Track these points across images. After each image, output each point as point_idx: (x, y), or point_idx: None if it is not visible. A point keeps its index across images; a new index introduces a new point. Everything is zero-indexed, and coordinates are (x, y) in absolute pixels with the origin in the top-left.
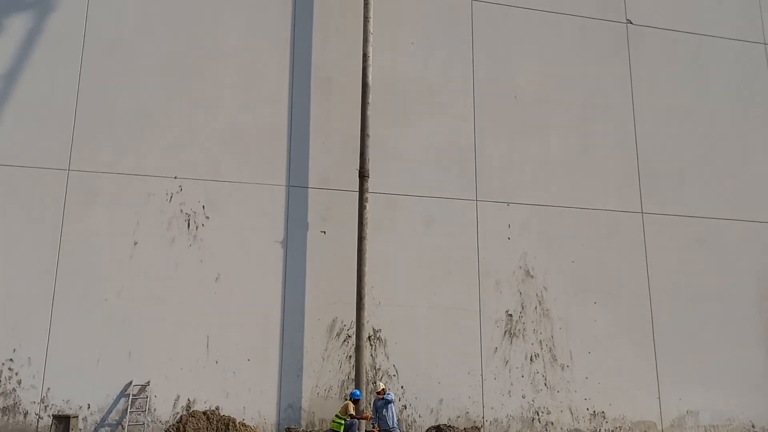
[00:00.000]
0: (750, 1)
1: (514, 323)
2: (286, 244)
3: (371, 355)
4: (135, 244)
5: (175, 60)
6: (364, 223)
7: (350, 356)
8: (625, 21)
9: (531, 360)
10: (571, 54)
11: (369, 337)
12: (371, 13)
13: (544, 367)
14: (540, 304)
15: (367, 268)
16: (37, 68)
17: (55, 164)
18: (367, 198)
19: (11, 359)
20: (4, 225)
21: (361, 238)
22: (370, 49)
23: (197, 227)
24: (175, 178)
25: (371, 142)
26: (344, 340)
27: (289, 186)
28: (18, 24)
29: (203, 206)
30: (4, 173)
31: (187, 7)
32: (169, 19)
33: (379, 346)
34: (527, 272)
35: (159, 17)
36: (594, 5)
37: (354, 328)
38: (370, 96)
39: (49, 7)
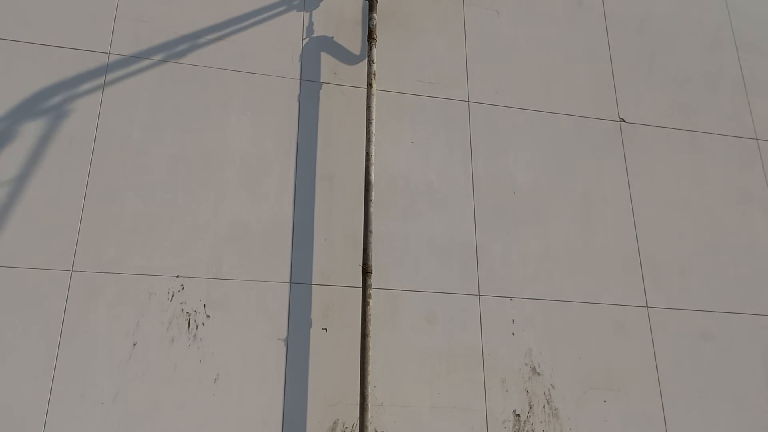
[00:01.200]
0: (739, 99)
1: (522, 424)
2: (287, 342)
3: None
4: (134, 345)
5: (182, 160)
6: (367, 319)
7: None
8: (618, 119)
9: None
10: (567, 149)
11: None
12: (373, 116)
13: None
14: (548, 403)
15: (370, 372)
16: (48, 171)
17: (58, 265)
18: (370, 294)
19: None
20: (4, 327)
21: (364, 335)
22: (373, 149)
23: (197, 326)
24: (177, 276)
25: (373, 238)
26: None
27: (291, 283)
28: (31, 130)
29: (204, 305)
30: (8, 275)
31: (195, 109)
32: (177, 121)
33: None
34: (534, 369)
35: (167, 119)
36: (587, 104)
37: (356, 430)
38: (373, 193)
39: (63, 112)
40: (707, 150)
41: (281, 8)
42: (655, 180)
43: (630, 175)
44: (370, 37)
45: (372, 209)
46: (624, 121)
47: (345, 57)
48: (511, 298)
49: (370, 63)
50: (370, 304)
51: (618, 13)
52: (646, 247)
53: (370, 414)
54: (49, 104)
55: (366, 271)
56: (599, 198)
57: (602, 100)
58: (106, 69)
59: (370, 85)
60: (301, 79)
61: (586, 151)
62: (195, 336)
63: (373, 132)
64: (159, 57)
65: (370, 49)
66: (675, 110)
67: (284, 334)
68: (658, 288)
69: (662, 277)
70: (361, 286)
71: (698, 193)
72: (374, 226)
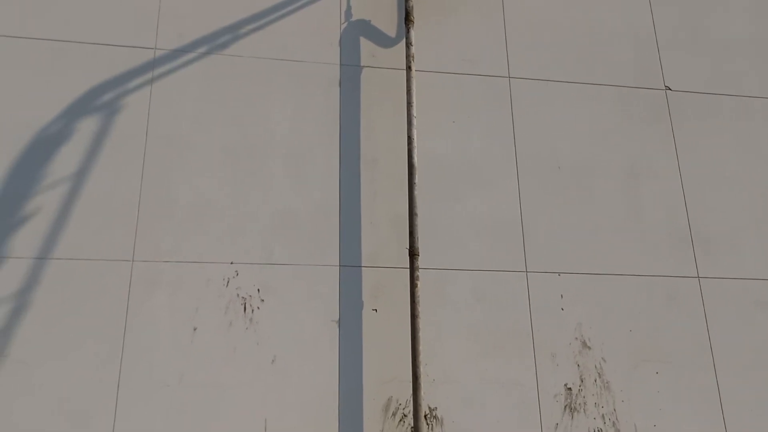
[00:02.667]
0: None
1: (573, 397)
2: (340, 324)
3: None
4: (194, 329)
5: (230, 150)
6: (416, 300)
7: None
8: (664, 88)
9: None
10: (612, 122)
11: (425, 416)
12: (413, 98)
13: None
14: (600, 377)
15: (421, 347)
16: (104, 167)
17: (119, 256)
18: (418, 276)
19: None
20: (71, 317)
21: (414, 316)
22: (415, 132)
23: (253, 310)
24: (231, 263)
25: (419, 220)
26: (400, 420)
27: (341, 266)
28: (86, 128)
29: (258, 290)
30: (71, 266)
31: (239, 99)
32: (222, 114)
33: (436, 425)
34: (584, 343)
35: (214, 113)
36: (631, 74)
37: (409, 407)
38: (417, 176)
39: (115, 109)
40: (758, 115)
41: None
42: (704, 149)
43: (678, 145)
44: (408, 19)
45: (416, 192)
46: (670, 89)
47: (383, 40)
48: (559, 274)
49: (408, 45)
50: (419, 285)
51: None
52: (696, 218)
53: (423, 391)
54: (100, 102)
55: (413, 254)
56: (646, 170)
57: (646, 69)
58: (153, 64)
59: (409, 68)
60: (341, 64)
61: (632, 122)
62: (251, 320)
63: (414, 115)
64: (202, 50)
65: (408, 32)
66: (723, 76)
67: (336, 316)
68: (710, 258)
69: (713, 247)
70: (408, 267)
71: (749, 160)
72: (419, 207)
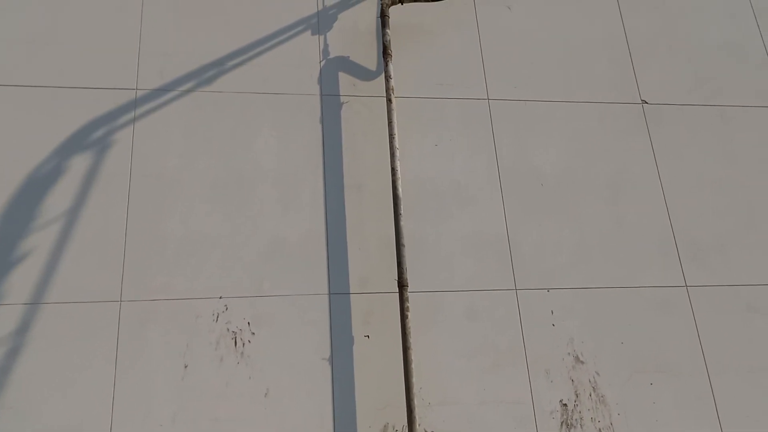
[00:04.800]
0: (765, 68)
1: (570, 413)
2: (332, 352)
3: None
4: (186, 366)
5: (217, 184)
6: (407, 332)
7: None
8: (640, 102)
9: None
10: (592, 137)
11: None
12: (395, 130)
13: None
14: (594, 391)
15: (415, 379)
16: (91, 207)
17: (107, 297)
18: (408, 307)
19: None
20: (61, 361)
21: (405, 348)
22: (398, 164)
23: (244, 344)
24: (221, 297)
25: (407, 243)
26: None
27: (330, 294)
28: (73, 168)
29: (248, 323)
30: (60, 310)
31: (224, 133)
32: (208, 147)
33: None
34: (577, 358)
35: (199, 146)
36: (607, 90)
37: None
38: (402, 206)
39: (99, 149)
40: (736, 124)
41: (297, 29)
42: (684, 159)
43: (657, 157)
44: (386, 53)
45: (402, 222)
46: (646, 102)
47: (362, 74)
48: (548, 290)
49: (387, 79)
50: (409, 317)
51: None
52: (681, 227)
53: (418, 418)
54: (86, 142)
55: (402, 285)
56: (628, 183)
57: (622, 83)
58: (135, 104)
59: (389, 100)
60: (321, 95)
61: (611, 137)
62: (242, 353)
63: (397, 147)
64: (184, 87)
65: (387, 65)
66: (698, 86)
67: (327, 345)
68: (697, 266)
69: (700, 255)
70: (398, 293)
71: (730, 168)
72: (407, 230)
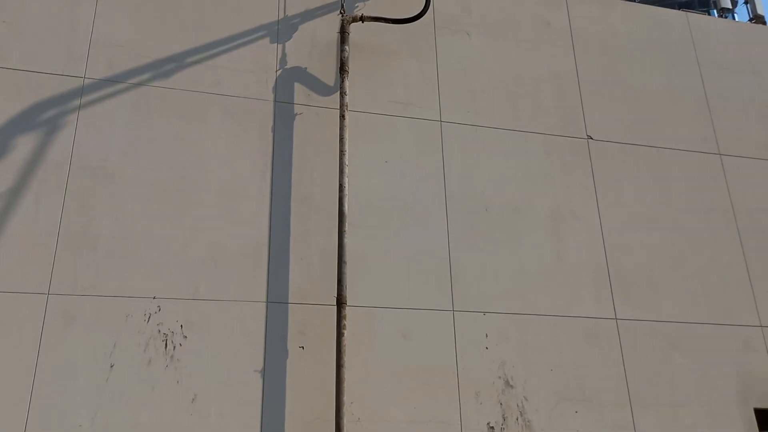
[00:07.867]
0: (702, 115)
1: None
2: (265, 360)
3: None
4: (111, 366)
5: (159, 183)
6: (342, 350)
7: None
8: (586, 137)
9: None
10: (538, 167)
11: None
12: (346, 147)
13: None
14: (521, 415)
15: (346, 396)
16: (24, 195)
17: (35, 289)
18: (345, 325)
19: None
20: None
21: (339, 366)
22: (346, 180)
23: (174, 347)
24: (154, 298)
25: (350, 257)
26: None
27: (268, 302)
28: (8, 154)
29: (181, 326)
30: None
31: (171, 135)
32: (153, 147)
33: None
34: (507, 382)
35: (143, 143)
36: (555, 123)
37: None
38: (347, 224)
39: (39, 137)
40: (672, 165)
41: (257, 34)
42: (622, 195)
43: (598, 192)
44: (342, 69)
45: (346, 239)
46: (591, 138)
47: (318, 87)
48: (485, 313)
49: (342, 95)
50: (345, 334)
51: (583, 33)
52: (615, 261)
53: None
54: (26, 129)
55: (341, 302)
56: (569, 214)
57: (570, 118)
58: (81, 93)
59: (342, 116)
60: (275, 101)
61: (556, 168)
62: (172, 357)
63: (346, 163)
64: (134, 80)
65: (342, 81)
66: (640, 127)
67: (261, 353)
68: (627, 300)
69: (631, 289)
70: (335, 306)
71: (664, 207)
72: (351, 244)
